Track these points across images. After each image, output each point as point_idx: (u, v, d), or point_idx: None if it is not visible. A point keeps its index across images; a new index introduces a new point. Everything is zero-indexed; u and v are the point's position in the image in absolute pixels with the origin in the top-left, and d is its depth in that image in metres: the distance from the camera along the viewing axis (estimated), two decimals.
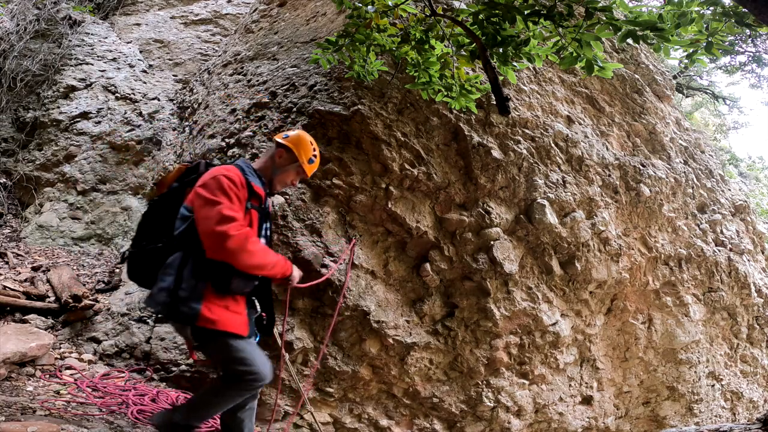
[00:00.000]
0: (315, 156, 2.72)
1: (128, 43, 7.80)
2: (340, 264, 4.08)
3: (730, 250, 6.33)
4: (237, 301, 2.41)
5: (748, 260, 6.59)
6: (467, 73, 4.17)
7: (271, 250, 2.51)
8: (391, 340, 4.27)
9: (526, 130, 4.87)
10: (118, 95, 6.82)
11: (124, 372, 3.93)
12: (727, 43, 2.99)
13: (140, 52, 7.69)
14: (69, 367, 3.78)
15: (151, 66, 7.54)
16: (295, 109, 4.50)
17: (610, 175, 5.34)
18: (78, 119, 6.59)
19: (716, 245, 6.24)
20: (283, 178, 2.67)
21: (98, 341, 4.22)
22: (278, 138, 2.69)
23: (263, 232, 2.58)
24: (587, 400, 5.41)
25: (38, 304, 4.40)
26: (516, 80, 4.18)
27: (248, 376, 2.30)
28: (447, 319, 4.56)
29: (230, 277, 2.33)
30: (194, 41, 7.91)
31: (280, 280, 2.63)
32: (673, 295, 5.76)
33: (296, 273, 2.67)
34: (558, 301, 5.01)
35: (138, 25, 8.21)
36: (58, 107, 6.69)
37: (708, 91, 15.50)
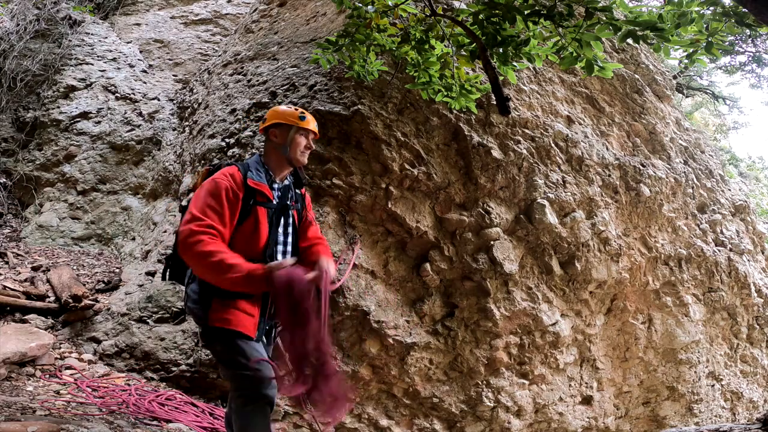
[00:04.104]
0: (302, 112, 2.58)
1: (128, 43, 7.80)
2: (340, 263, 4.08)
3: (730, 250, 6.32)
4: (251, 302, 2.35)
5: (748, 260, 6.59)
6: (467, 73, 4.17)
7: (228, 255, 2.17)
8: (391, 340, 4.27)
9: (526, 130, 4.87)
10: (118, 95, 6.82)
11: (124, 372, 3.93)
12: (727, 43, 2.99)
13: (140, 52, 7.69)
14: (69, 367, 3.78)
15: (151, 66, 7.54)
16: None
17: (610, 175, 5.34)
18: (78, 119, 6.59)
19: (716, 245, 6.24)
20: (295, 147, 2.51)
21: (98, 341, 4.22)
22: (261, 126, 2.62)
23: (281, 229, 2.48)
24: (587, 400, 5.41)
25: (38, 304, 4.41)
26: (516, 80, 4.18)
27: (247, 378, 2.24)
28: (447, 319, 4.56)
29: None
30: (194, 41, 7.91)
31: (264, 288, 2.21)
32: (673, 295, 5.76)
33: (280, 274, 2.15)
34: (558, 301, 5.01)
35: (138, 25, 8.21)
36: (58, 107, 6.69)
37: (708, 91, 15.49)
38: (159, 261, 4.77)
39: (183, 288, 2.55)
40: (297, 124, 2.52)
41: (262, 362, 2.29)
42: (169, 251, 2.83)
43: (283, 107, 2.62)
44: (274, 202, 2.45)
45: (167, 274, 2.59)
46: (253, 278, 2.15)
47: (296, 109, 2.59)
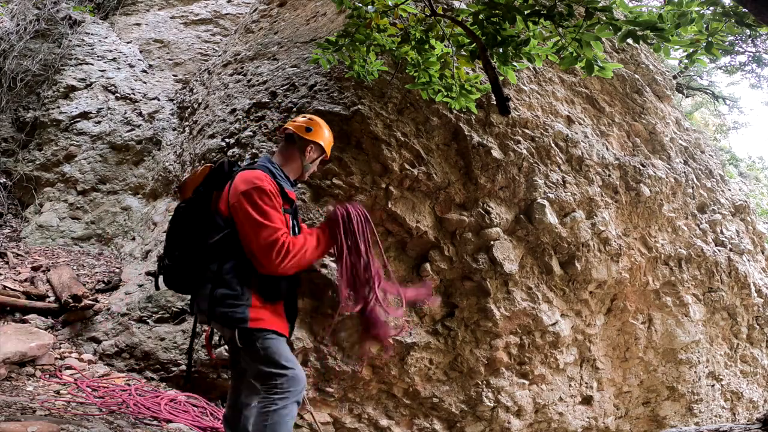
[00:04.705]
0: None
1: (128, 43, 7.79)
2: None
3: (730, 250, 6.32)
4: (278, 305, 2.42)
5: (748, 260, 6.59)
6: (467, 73, 4.17)
7: (303, 238, 2.45)
8: (391, 340, 4.27)
9: (526, 130, 4.87)
10: (118, 95, 6.82)
11: (123, 372, 3.93)
12: (727, 43, 2.99)
13: (140, 52, 7.68)
14: (69, 367, 3.78)
15: (151, 66, 7.54)
16: (295, 109, 4.50)
17: (610, 175, 5.34)
18: (78, 119, 6.58)
19: (716, 245, 6.24)
20: (311, 170, 2.76)
21: (98, 341, 4.22)
22: (301, 133, 2.65)
23: (293, 232, 2.59)
24: (587, 400, 5.41)
25: (38, 304, 4.41)
26: (516, 80, 4.18)
27: (285, 376, 2.28)
28: (447, 319, 4.56)
29: (278, 282, 2.37)
30: (194, 41, 7.91)
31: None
32: (673, 295, 5.76)
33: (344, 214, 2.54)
34: (558, 301, 5.01)
35: (138, 25, 8.21)
36: (58, 107, 6.69)
37: (708, 91, 15.50)
38: None
39: None
40: (325, 154, 2.77)
41: (297, 362, 2.40)
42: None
43: (328, 133, 2.79)
44: (294, 207, 2.59)
45: (164, 280, 2.55)
46: (326, 233, 2.51)
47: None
